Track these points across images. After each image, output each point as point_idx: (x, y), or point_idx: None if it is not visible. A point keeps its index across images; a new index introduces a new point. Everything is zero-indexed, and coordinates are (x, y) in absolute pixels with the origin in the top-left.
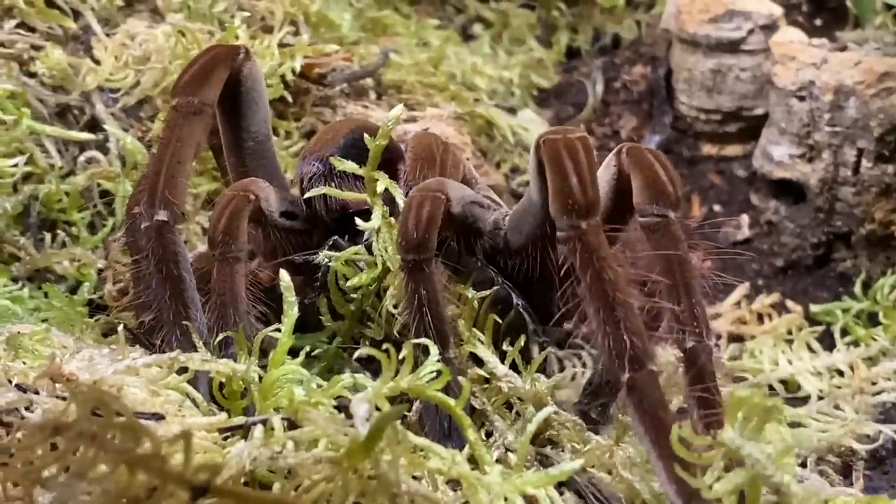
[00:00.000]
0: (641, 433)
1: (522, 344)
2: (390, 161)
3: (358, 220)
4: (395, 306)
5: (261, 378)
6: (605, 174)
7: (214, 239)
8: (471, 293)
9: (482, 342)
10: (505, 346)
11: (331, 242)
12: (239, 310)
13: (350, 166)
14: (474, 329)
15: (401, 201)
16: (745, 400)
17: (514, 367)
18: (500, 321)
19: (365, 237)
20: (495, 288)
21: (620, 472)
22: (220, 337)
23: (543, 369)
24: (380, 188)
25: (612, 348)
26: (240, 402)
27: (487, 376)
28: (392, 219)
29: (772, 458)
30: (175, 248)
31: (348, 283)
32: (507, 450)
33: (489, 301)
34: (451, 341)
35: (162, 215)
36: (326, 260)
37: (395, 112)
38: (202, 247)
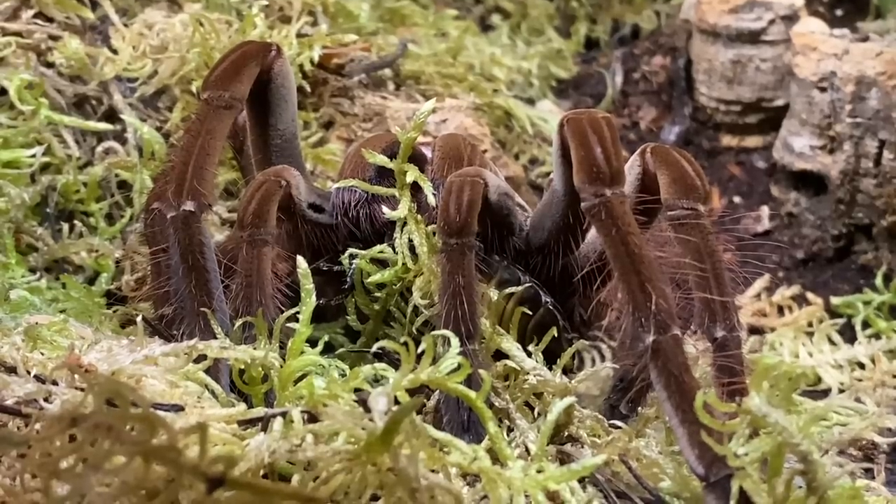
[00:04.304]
0: (664, 398)
1: (553, 336)
2: (415, 164)
3: (385, 209)
4: (423, 298)
5: (281, 366)
6: (629, 175)
7: (244, 221)
8: (494, 293)
9: (507, 337)
10: (531, 347)
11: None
12: (265, 292)
13: (381, 159)
14: (498, 327)
15: (429, 193)
16: (771, 367)
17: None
18: (530, 314)
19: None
20: (525, 286)
21: (643, 452)
22: (242, 321)
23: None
24: (409, 179)
25: (637, 311)
26: (260, 388)
27: (511, 371)
28: (418, 215)
29: (798, 426)
30: (201, 239)
31: (370, 280)
32: (528, 449)
33: (516, 299)
34: (479, 333)
35: (189, 206)
36: (352, 259)
37: (427, 106)
38: (220, 236)
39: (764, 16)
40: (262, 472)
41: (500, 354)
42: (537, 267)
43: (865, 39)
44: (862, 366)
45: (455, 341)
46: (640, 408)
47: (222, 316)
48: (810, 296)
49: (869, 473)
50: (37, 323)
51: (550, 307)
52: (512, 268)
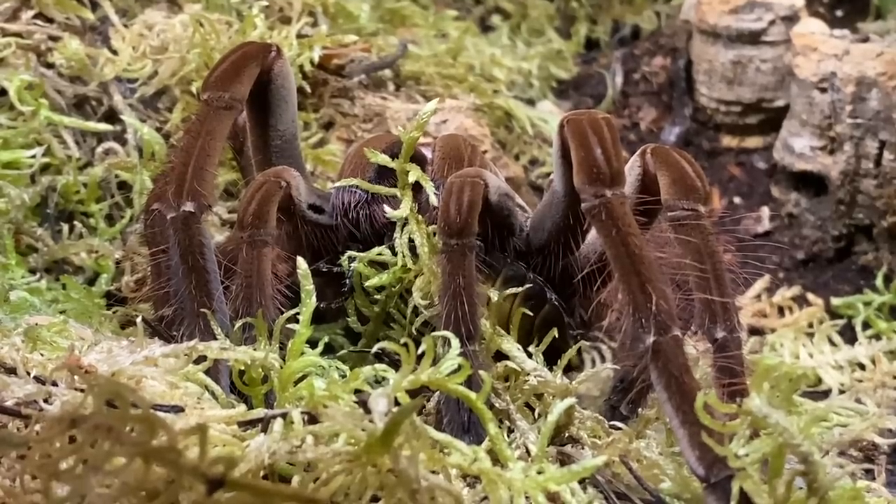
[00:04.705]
0: (665, 399)
1: (556, 336)
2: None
3: (387, 209)
4: (423, 299)
5: (281, 367)
6: (629, 175)
7: (244, 221)
8: (496, 294)
9: (507, 338)
10: (531, 348)
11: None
12: (265, 293)
13: (383, 159)
14: (498, 327)
15: (431, 192)
16: (772, 368)
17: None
18: (532, 315)
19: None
20: (528, 285)
21: (644, 453)
22: (242, 322)
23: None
24: (411, 179)
25: (638, 311)
26: (260, 389)
27: (512, 372)
28: (419, 215)
29: (799, 427)
30: (201, 240)
31: (368, 283)
32: (528, 451)
33: (520, 298)
34: (479, 334)
35: (189, 206)
36: (351, 262)
37: (429, 106)
38: (220, 237)
39: (764, 16)
40: (262, 474)
41: (500, 355)
42: (538, 268)
43: (866, 40)
44: (862, 367)
45: (455, 342)
46: (640, 409)
47: (222, 317)
48: (811, 296)
49: (869, 474)
50: (37, 324)
51: (556, 303)
52: (516, 264)
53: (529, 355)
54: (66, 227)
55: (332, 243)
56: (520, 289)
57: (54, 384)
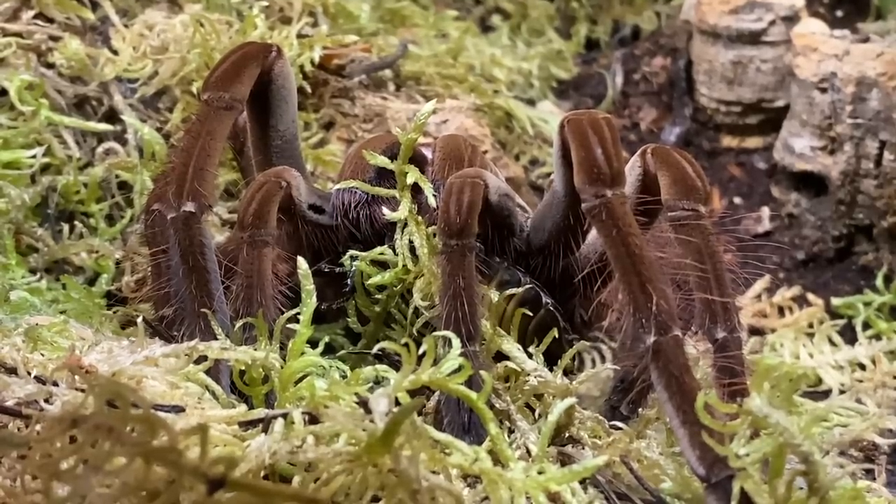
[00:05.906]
0: (665, 399)
1: (554, 337)
2: (415, 165)
3: (385, 210)
4: (424, 299)
5: (281, 367)
6: (629, 176)
7: (244, 221)
8: (495, 294)
9: (508, 338)
10: (531, 349)
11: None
12: (265, 293)
13: (382, 160)
14: (499, 328)
15: (429, 194)
16: (772, 368)
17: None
18: (530, 315)
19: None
20: (525, 287)
21: (644, 453)
22: (243, 322)
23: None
24: (409, 180)
25: (638, 312)
26: (261, 389)
27: (512, 373)
28: (419, 216)
29: (799, 427)
30: (202, 240)
31: (370, 282)
32: (529, 451)
33: (517, 300)
34: (479, 334)
35: (189, 206)
36: (353, 261)
37: (427, 107)
38: (220, 237)
39: (764, 16)
40: (262, 474)
41: (500, 356)
42: (538, 268)
43: (866, 40)
44: (862, 367)
45: (456, 342)
46: (640, 409)
47: (223, 317)
48: (811, 297)
49: (870, 474)
50: (37, 324)
51: (551, 308)
52: (512, 269)
53: (529, 356)
54: (66, 227)
55: (332, 243)
56: (515, 290)
57: (55, 384)
